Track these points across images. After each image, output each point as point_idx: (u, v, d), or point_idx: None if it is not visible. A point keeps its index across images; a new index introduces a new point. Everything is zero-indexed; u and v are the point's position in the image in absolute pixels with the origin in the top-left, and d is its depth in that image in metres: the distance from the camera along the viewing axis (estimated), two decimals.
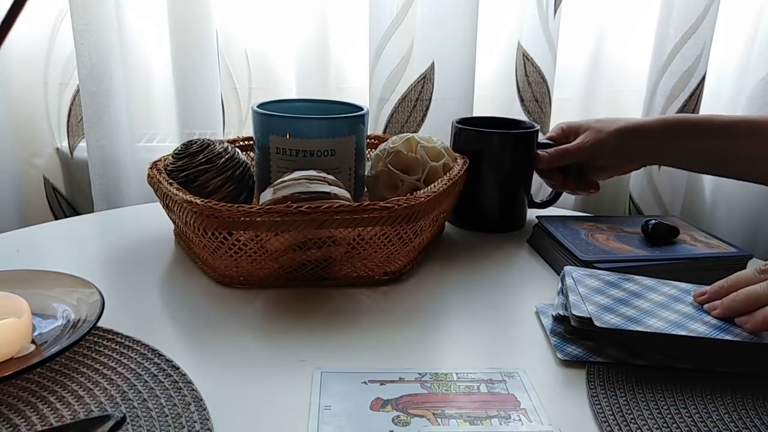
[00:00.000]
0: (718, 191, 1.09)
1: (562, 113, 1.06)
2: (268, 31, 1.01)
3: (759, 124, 0.69)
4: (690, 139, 0.72)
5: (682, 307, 0.50)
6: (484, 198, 0.76)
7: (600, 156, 0.76)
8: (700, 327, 0.47)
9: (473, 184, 0.74)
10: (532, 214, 0.82)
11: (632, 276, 0.56)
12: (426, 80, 0.97)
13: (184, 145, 0.68)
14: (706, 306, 0.50)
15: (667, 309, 0.50)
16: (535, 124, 0.78)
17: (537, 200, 0.82)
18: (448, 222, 0.78)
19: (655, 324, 0.48)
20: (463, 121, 0.79)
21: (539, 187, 1.05)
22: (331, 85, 1.02)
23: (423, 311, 0.57)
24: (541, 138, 0.79)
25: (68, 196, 1.04)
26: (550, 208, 0.85)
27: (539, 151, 0.77)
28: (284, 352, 0.49)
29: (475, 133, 0.76)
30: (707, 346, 0.47)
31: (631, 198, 1.07)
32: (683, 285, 0.54)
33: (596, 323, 0.48)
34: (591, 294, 0.52)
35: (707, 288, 0.51)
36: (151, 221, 0.75)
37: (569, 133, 0.78)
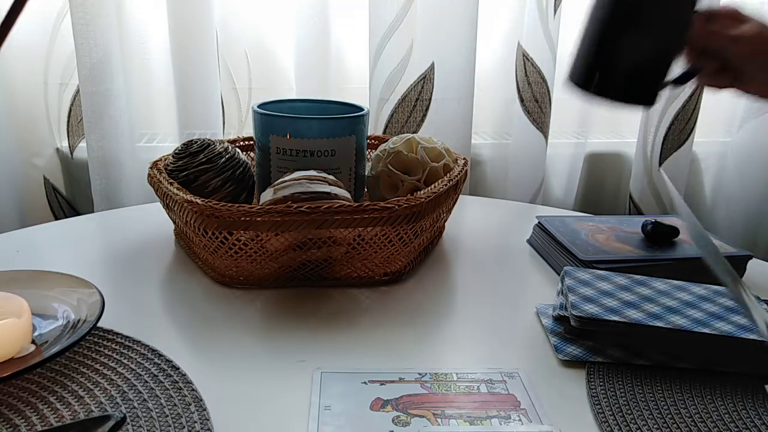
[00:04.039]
0: (718, 191, 1.09)
1: (562, 113, 1.06)
2: (268, 32, 1.01)
3: None
4: None
5: (694, 312, 0.50)
6: (626, 51, 0.58)
7: (750, 61, 0.59)
8: (724, 326, 0.47)
9: (621, 30, 0.58)
10: (532, 208, 0.83)
11: (645, 279, 0.55)
12: (426, 80, 0.97)
13: (184, 144, 0.68)
14: None
15: (677, 313, 0.49)
16: None
17: (671, 80, 0.60)
18: (570, 80, 0.59)
19: (659, 323, 0.48)
20: None
21: (540, 183, 1.05)
22: (331, 85, 1.02)
23: (423, 311, 0.57)
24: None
25: (68, 196, 1.04)
26: (551, 207, 0.85)
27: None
28: (284, 352, 0.49)
29: None
30: (709, 344, 0.47)
31: (631, 198, 1.07)
32: (700, 291, 0.54)
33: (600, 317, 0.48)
34: (598, 296, 0.52)
35: None
36: (151, 221, 0.75)
37: (737, 18, 0.60)
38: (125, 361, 0.46)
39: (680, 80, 0.62)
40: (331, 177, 0.60)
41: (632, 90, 0.60)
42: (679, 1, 0.59)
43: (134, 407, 0.41)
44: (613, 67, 0.59)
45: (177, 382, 0.44)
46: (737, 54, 0.60)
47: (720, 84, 0.62)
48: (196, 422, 0.40)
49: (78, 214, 1.04)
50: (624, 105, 0.59)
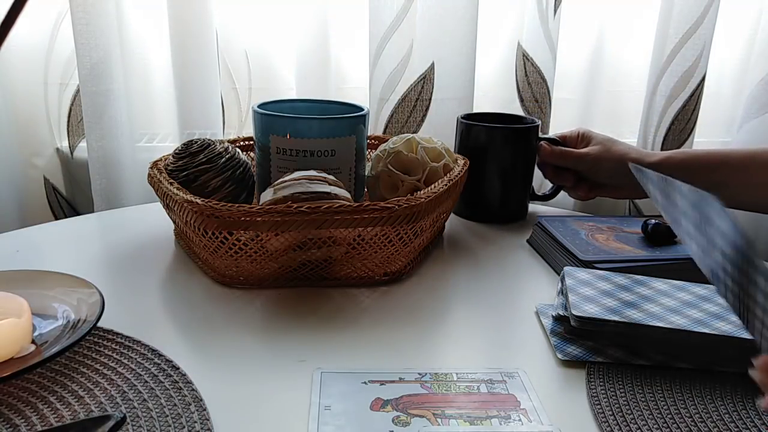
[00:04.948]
0: None
1: (562, 113, 1.06)
2: (268, 31, 1.01)
3: (755, 155, 0.71)
4: (692, 175, 0.72)
5: (694, 312, 0.50)
6: (488, 190, 0.80)
7: (596, 173, 0.78)
8: (724, 326, 0.47)
9: (477, 177, 0.77)
10: (533, 208, 0.85)
11: (645, 279, 0.55)
12: (426, 80, 0.97)
13: (184, 144, 0.68)
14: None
15: (677, 313, 0.49)
16: (536, 119, 0.82)
17: (539, 193, 0.85)
18: (453, 213, 0.80)
19: (659, 323, 0.48)
20: (467, 117, 0.82)
21: (541, 181, 1.05)
22: (331, 85, 1.02)
23: (423, 311, 0.57)
24: (555, 134, 0.83)
25: (68, 196, 1.04)
26: (551, 207, 0.86)
27: (543, 143, 0.80)
28: (284, 352, 0.49)
29: (479, 128, 0.79)
30: (709, 344, 0.47)
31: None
32: (700, 291, 0.54)
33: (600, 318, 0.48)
34: (598, 296, 0.52)
35: None
36: (151, 221, 0.75)
37: (583, 140, 0.80)
38: (125, 361, 0.46)
39: (548, 196, 0.85)
40: (331, 177, 0.60)
41: (504, 215, 0.81)
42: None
43: (134, 407, 0.41)
44: (484, 204, 0.80)
45: (177, 382, 0.44)
46: (584, 169, 0.78)
47: (582, 194, 0.80)
48: (196, 422, 0.40)
49: (78, 214, 1.04)
50: (503, 224, 0.80)
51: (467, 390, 0.44)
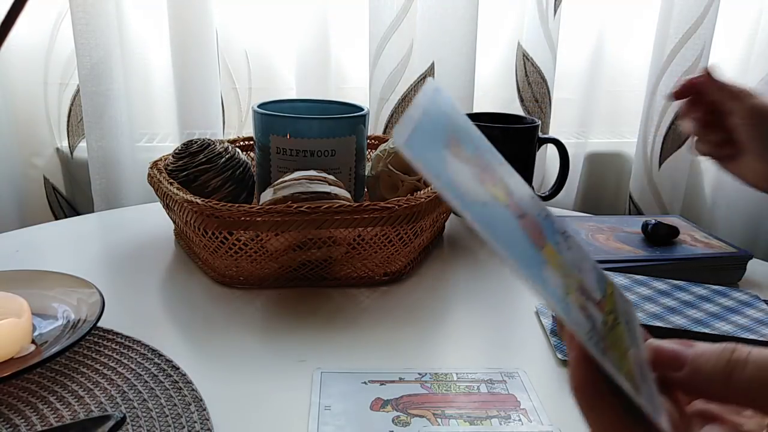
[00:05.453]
0: (718, 191, 1.09)
1: (562, 113, 1.06)
2: (268, 31, 1.01)
3: None
4: None
5: (694, 312, 0.50)
6: None
7: (747, 126, 0.56)
8: (724, 326, 0.47)
9: None
10: None
11: (645, 279, 0.55)
12: (426, 80, 0.97)
13: (184, 144, 0.68)
14: None
15: (677, 313, 0.50)
16: (536, 119, 0.82)
17: (539, 193, 0.85)
18: (453, 213, 0.80)
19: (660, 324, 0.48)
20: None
21: (541, 181, 1.05)
22: (331, 85, 1.02)
23: (423, 311, 0.57)
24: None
25: (68, 196, 1.04)
26: (551, 207, 0.86)
27: (706, 70, 0.59)
28: (284, 352, 0.49)
29: (479, 128, 0.78)
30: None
31: (631, 198, 1.07)
32: (700, 291, 0.54)
33: None
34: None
35: None
36: (151, 221, 0.75)
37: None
38: (125, 361, 0.46)
39: (548, 197, 0.81)
40: (331, 177, 0.60)
41: None
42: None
43: (134, 407, 0.41)
44: None
45: (177, 382, 0.44)
46: (739, 113, 0.56)
47: (722, 155, 0.59)
48: (196, 422, 0.40)
49: (78, 214, 1.04)
50: None
51: (467, 390, 0.44)
